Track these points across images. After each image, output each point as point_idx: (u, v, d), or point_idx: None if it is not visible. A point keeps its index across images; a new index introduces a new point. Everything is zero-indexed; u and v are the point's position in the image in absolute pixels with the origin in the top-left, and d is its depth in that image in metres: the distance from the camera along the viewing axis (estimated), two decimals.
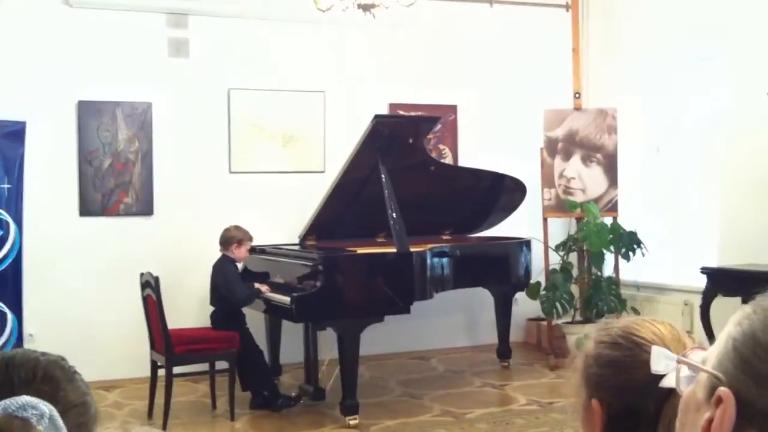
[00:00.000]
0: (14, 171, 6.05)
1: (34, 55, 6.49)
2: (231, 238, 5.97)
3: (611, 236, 7.07)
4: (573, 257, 7.40)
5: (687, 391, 0.93)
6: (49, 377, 1.07)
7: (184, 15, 6.96)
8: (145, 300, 5.76)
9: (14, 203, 6.05)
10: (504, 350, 7.13)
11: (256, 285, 6.01)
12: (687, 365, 0.95)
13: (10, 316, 5.99)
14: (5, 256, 6.00)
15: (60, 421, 0.96)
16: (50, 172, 6.54)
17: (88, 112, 6.70)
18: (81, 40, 6.64)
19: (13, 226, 6.02)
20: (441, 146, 7.83)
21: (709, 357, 0.89)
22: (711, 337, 5.61)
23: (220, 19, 7.04)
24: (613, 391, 1.33)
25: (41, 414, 0.95)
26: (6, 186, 6.00)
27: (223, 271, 5.91)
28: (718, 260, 6.44)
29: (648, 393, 1.26)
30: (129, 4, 6.73)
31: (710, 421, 0.83)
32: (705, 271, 5.97)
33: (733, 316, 0.89)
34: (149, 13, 6.84)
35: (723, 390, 0.82)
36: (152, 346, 5.74)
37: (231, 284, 5.87)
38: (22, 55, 6.46)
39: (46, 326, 6.21)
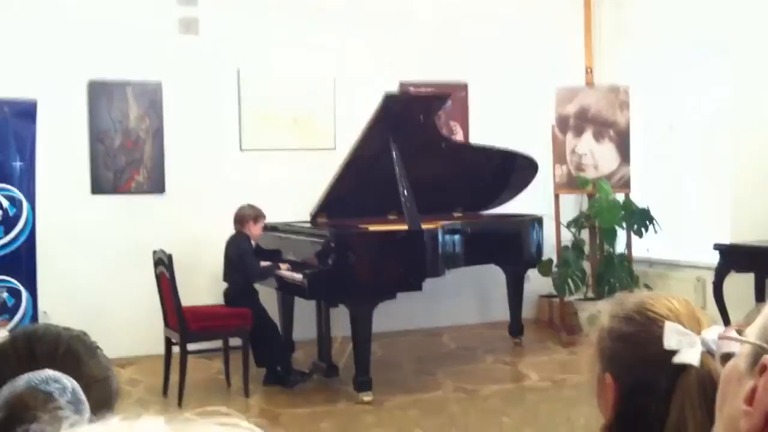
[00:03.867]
0: (26, 149, 6.06)
1: (45, 33, 6.49)
2: (246, 215, 6.01)
3: (623, 213, 7.06)
4: (585, 234, 7.39)
5: (728, 365, 0.92)
6: (72, 352, 1.08)
7: None
8: (159, 277, 5.79)
9: (27, 182, 6.07)
10: (516, 327, 7.13)
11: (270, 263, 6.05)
12: (729, 339, 0.95)
13: (24, 294, 6.03)
14: (19, 234, 6.03)
15: (82, 396, 0.98)
16: (62, 150, 6.56)
17: (98, 91, 6.71)
18: (91, 19, 6.62)
19: (26, 205, 6.04)
20: (452, 123, 7.81)
21: (751, 332, 0.89)
22: (724, 313, 5.66)
23: None
24: (625, 366, 1.33)
25: (64, 388, 0.96)
26: (18, 164, 6.02)
27: (239, 244, 5.94)
28: (731, 237, 6.42)
29: (660, 368, 1.27)
30: None
31: (754, 389, 0.82)
32: (718, 247, 5.95)
33: None
34: None
35: (767, 358, 0.82)
36: (166, 324, 5.78)
37: (248, 258, 5.91)
38: (32, 34, 6.46)
39: (60, 304, 6.24)
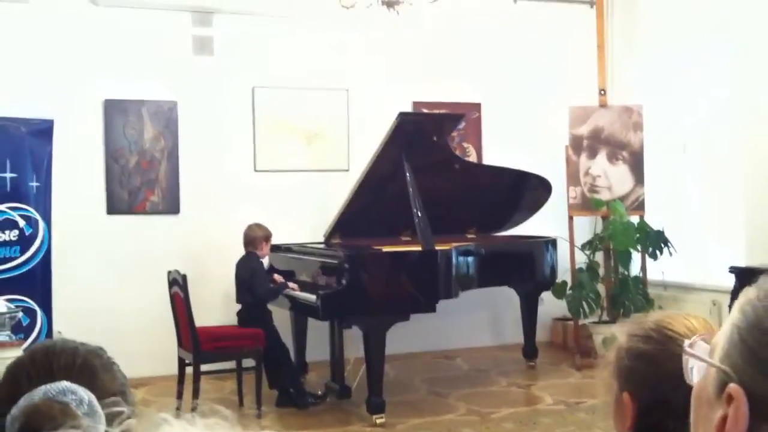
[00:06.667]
0: (43, 169, 6.11)
1: (62, 53, 6.56)
2: (258, 237, 6.02)
3: (638, 235, 7.02)
4: (599, 256, 7.35)
5: (698, 385, 0.88)
6: (88, 365, 1.09)
7: (208, 13, 7.00)
8: (173, 298, 5.80)
9: (43, 201, 6.11)
10: (530, 350, 7.09)
11: (278, 278, 6.05)
12: (694, 357, 0.90)
13: (39, 313, 6.05)
14: (34, 254, 6.06)
15: (99, 408, 0.98)
16: (78, 170, 6.60)
17: (114, 111, 6.76)
18: (107, 39, 6.69)
19: (42, 224, 6.08)
20: (465, 144, 7.81)
21: (716, 347, 0.84)
22: None
23: (244, 16, 7.07)
24: (644, 384, 1.32)
25: (80, 400, 0.97)
26: (35, 184, 6.06)
27: (251, 265, 5.95)
28: (746, 259, 6.37)
29: (679, 386, 1.25)
30: (154, 2, 6.78)
31: (724, 419, 0.78)
32: (733, 270, 5.90)
33: (737, 302, 0.84)
34: (174, 11, 6.89)
35: (733, 387, 0.78)
36: (179, 344, 5.78)
37: (259, 278, 5.92)
38: (49, 54, 6.53)
39: (74, 323, 6.24)
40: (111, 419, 0.92)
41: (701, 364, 0.89)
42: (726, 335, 0.83)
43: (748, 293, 0.84)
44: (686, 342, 1.01)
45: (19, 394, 0.98)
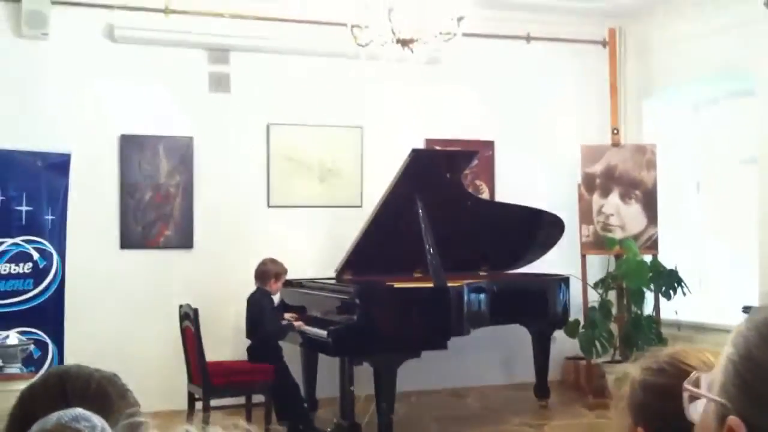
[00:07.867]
0: (58, 202, 6.14)
1: (79, 88, 6.64)
2: (269, 272, 6.02)
3: (651, 274, 6.99)
4: (612, 295, 7.31)
5: (700, 420, 0.89)
6: (102, 392, 1.09)
7: (225, 51, 7.08)
8: (184, 332, 5.80)
9: (58, 234, 6.13)
10: (542, 389, 7.02)
11: (287, 316, 6.04)
12: (691, 392, 0.92)
13: (51, 346, 6.05)
14: (47, 287, 6.07)
15: None
16: (93, 203, 6.65)
17: (130, 146, 6.82)
18: (124, 75, 6.78)
19: (56, 257, 6.10)
20: (478, 182, 7.82)
21: (714, 381, 0.86)
22: None
23: (260, 54, 7.15)
24: (658, 418, 1.31)
25: (93, 427, 0.97)
26: (50, 217, 6.09)
27: (262, 303, 5.95)
28: (760, 298, 6.32)
29: None
30: (171, 39, 6.87)
31: None
32: (747, 310, 5.85)
33: (730, 335, 0.86)
34: (191, 48, 6.98)
35: (732, 419, 0.79)
36: (189, 378, 5.77)
37: (267, 316, 5.91)
38: (67, 89, 6.61)
39: (85, 357, 6.15)
40: (132, 430, 0.92)
41: (702, 400, 0.90)
42: (722, 368, 0.84)
43: (739, 326, 0.86)
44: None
45: (32, 418, 0.98)
